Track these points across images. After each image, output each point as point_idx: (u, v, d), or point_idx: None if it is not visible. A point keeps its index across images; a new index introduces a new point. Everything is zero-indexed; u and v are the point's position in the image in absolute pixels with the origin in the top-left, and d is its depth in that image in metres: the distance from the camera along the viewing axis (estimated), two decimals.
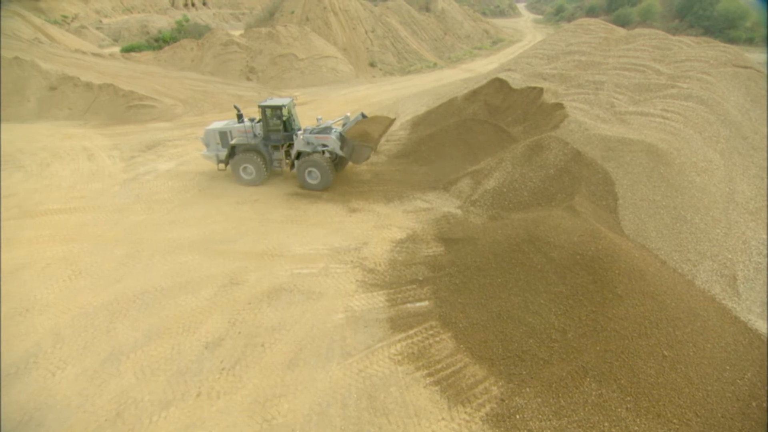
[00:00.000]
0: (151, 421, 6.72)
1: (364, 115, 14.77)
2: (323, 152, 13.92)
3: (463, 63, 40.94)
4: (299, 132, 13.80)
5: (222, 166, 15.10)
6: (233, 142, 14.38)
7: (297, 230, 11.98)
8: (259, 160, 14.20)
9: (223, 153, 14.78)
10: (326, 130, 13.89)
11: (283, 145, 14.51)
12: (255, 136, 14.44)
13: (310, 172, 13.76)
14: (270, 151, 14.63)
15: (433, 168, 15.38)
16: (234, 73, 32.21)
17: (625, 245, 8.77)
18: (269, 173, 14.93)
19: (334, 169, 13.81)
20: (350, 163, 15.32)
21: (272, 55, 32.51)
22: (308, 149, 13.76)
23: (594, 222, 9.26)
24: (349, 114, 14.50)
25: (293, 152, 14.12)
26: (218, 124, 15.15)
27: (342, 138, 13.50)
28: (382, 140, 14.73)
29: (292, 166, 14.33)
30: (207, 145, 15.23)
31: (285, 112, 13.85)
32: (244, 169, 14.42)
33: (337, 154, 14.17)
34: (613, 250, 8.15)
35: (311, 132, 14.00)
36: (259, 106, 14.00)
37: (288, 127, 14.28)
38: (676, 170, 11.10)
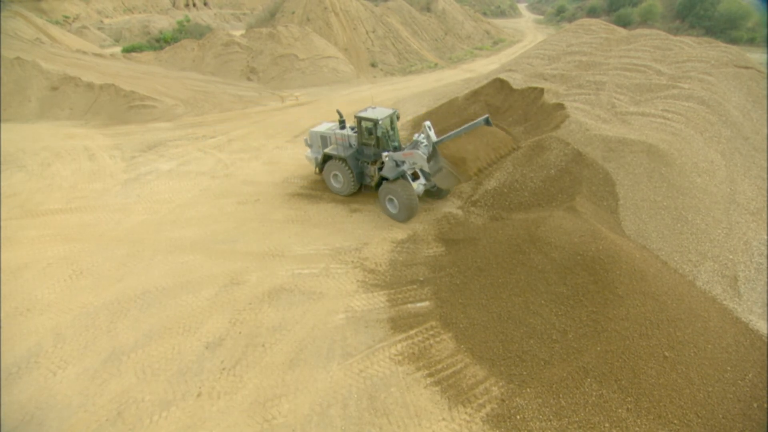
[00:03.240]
0: (152, 421, 6.73)
1: (488, 122, 11.57)
2: (413, 174, 12.27)
3: (464, 63, 40.95)
4: (385, 154, 11.97)
5: (317, 170, 14.13)
6: (325, 150, 13.44)
7: (298, 230, 11.99)
8: (347, 171, 12.94)
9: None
10: (415, 144, 11.53)
11: (375, 161, 12.83)
12: (350, 146, 13.17)
13: (390, 200, 12.03)
14: (361, 165, 13.12)
15: None
16: (235, 74, 32.28)
17: (626, 246, 8.76)
18: (357, 186, 13.48)
19: (416, 199, 11.76)
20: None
21: (273, 56, 32.57)
22: (393, 174, 11.76)
23: (595, 222, 9.25)
24: (429, 123, 11.36)
25: (379, 174, 12.42)
26: (323, 127, 14.22)
27: (434, 151, 10.38)
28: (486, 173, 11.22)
29: (377, 186, 12.59)
30: (310, 146, 14.53)
31: (381, 127, 12.11)
32: (335, 176, 13.48)
33: (428, 177, 12.09)
34: (613, 251, 8.15)
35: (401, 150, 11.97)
36: (356, 116, 12.43)
37: (383, 143, 12.40)
38: (677, 171, 11.09)
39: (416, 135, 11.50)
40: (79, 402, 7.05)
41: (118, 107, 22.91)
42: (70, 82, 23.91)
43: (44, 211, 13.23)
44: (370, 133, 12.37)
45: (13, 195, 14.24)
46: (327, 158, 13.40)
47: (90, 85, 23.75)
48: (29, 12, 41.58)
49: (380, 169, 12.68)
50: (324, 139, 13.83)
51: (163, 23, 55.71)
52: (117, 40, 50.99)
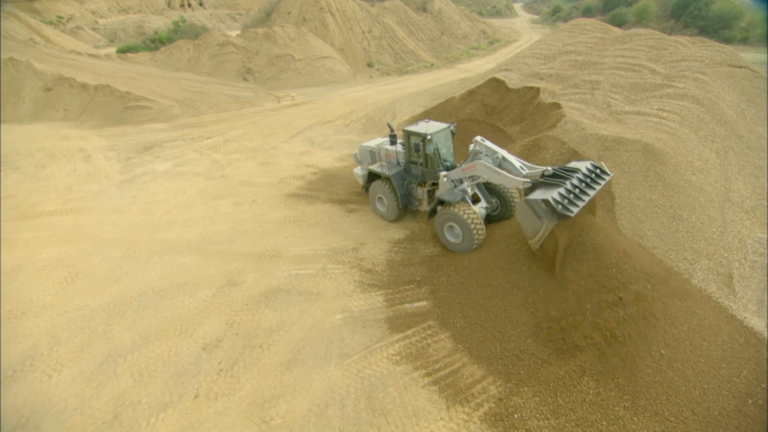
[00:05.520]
0: (149, 424, 6.70)
1: (601, 171, 8.59)
2: (473, 197, 10.99)
3: (460, 63, 41.00)
4: (442, 174, 10.34)
5: (363, 188, 13.03)
6: (370, 167, 12.24)
7: (295, 231, 11.97)
8: (391, 192, 11.70)
9: None
10: (475, 156, 9.77)
11: (424, 183, 11.47)
12: (398, 164, 11.93)
13: (450, 227, 10.31)
14: (407, 185, 11.79)
15: None
16: (231, 74, 32.17)
17: (623, 243, 8.78)
18: (403, 212, 12.21)
19: (483, 225, 10.03)
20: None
21: (269, 56, 32.49)
22: (453, 197, 10.32)
23: (592, 219, 9.27)
24: (480, 137, 9.81)
25: (435, 198, 10.86)
26: (374, 142, 12.95)
27: (537, 187, 8.21)
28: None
29: (432, 213, 11.04)
30: (360, 162, 13.32)
31: (431, 143, 10.43)
32: (379, 199, 12.24)
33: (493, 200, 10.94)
34: (611, 248, 8.17)
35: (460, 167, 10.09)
36: (403, 130, 11.02)
37: (433, 162, 10.78)
38: (672, 169, 11.15)
39: (472, 146, 9.92)
40: (75, 405, 7.01)
41: (114, 108, 22.78)
42: (64, 83, 23.75)
43: (39, 212, 13.14)
44: (418, 150, 10.84)
45: (8, 197, 14.14)
46: (372, 177, 12.30)
47: (85, 86, 23.60)
48: (23, 12, 41.28)
49: (430, 192, 11.45)
50: (373, 155, 12.68)
51: (159, 24, 55.47)
52: (112, 41, 50.74)
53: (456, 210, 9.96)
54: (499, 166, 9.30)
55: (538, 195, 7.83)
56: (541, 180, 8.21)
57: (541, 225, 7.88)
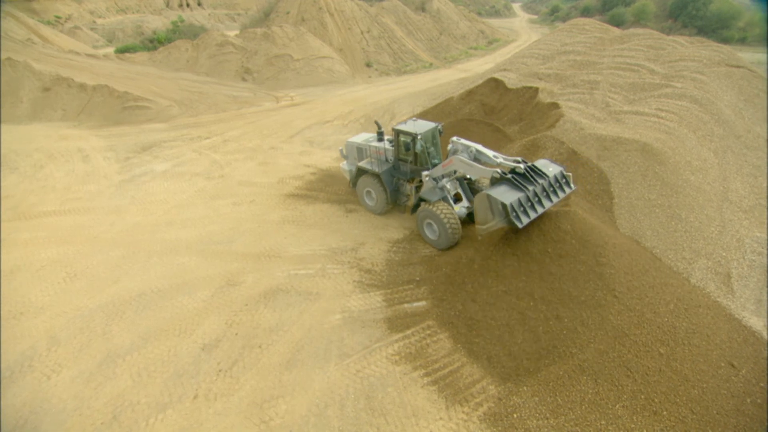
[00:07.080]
0: (148, 424, 6.69)
1: (566, 183, 8.96)
2: (456, 195, 11.27)
3: (459, 63, 41.02)
4: (425, 173, 10.79)
5: (351, 184, 13.37)
6: (359, 163, 12.50)
7: (294, 231, 11.97)
8: (380, 188, 12.05)
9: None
10: (454, 152, 10.19)
11: (412, 179, 11.84)
12: (386, 161, 12.18)
13: (428, 224, 10.79)
14: (396, 182, 12.15)
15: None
16: (229, 74, 32.13)
17: (622, 242, 8.80)
18: (391, 206, 12.64)
19: (459, 225, 10.41)
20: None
21: (268, 56, 32.47)
22: (434, 196, 10.74)
23: (590, 218, 9.29)
24: (455, 138, 10.32)
25: (418, 196, 11.30)
26: (360, 138, 13.18)
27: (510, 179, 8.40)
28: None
29: (414, 209, 11.47)
30: (346, 158, 13.55)
31: (420, 142, 10.78)
32: (367, 193, 12.61)
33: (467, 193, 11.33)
34: (609, 248, 8.18)
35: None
36: (393, 129, 11.35)
37: (422, 160, 11.21)
38: (671, 169, 11.17)
39: (450, 146, 10.34)
40: (74, 406, 7.00)
41: (112, 108, 22.73)
42: (62, 83, 23.69)
43: (37, 213, 13.11)
44: (408, 149, 11.29)
45: (6, 197, 14.10)
46: (361, 172, 12.59)
47: (83, 86, 23.55)
48: (20, 12, 41.18)
49: (418, 188, 11.74)
50: (360, 151, 12.90)
51: (157, 24, 55.37)
52: (110, 41, 50.60)
53: (433, 208, 10.45)
54: (476, 159, 9.75)
55: (499, 194, 8.09)
56: (510, 177, 8.42)
57: (491, 220, 8.30)
